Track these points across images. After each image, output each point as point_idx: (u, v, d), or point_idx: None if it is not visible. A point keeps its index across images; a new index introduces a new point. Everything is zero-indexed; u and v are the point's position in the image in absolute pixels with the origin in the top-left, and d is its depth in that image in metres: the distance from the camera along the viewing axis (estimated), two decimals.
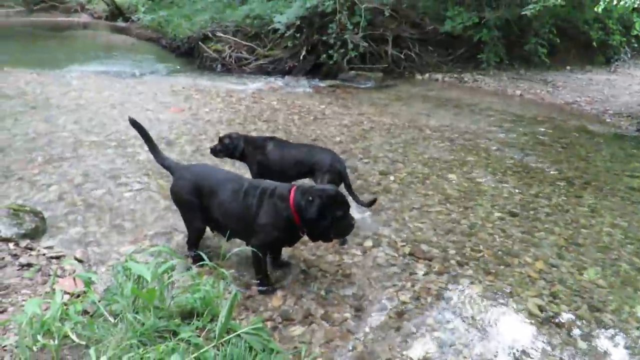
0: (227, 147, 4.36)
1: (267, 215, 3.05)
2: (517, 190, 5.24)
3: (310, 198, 2.91)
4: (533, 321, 3.16)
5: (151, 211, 4.32)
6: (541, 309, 3.29)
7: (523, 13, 11.11)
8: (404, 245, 3.97)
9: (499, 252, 3.96)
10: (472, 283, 3.52)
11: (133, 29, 19.20)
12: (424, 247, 3.97)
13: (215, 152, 4.44)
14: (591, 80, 12.19)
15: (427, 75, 12.06)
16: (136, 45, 16.15)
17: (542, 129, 7.85)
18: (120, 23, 22.00)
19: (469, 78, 11.75)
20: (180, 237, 3.90)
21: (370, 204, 4.18)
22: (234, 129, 6.85)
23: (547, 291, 3.48)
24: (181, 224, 4.01)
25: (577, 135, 7.64)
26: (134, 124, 3.61)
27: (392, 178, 5.38)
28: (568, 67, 13.32)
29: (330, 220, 2.97)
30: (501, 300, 3.35)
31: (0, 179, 4.72)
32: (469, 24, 12.37)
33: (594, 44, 13.49)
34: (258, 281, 3.25)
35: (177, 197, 3.47)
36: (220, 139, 4.41)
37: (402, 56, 12.27)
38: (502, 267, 3.75)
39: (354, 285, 3.41)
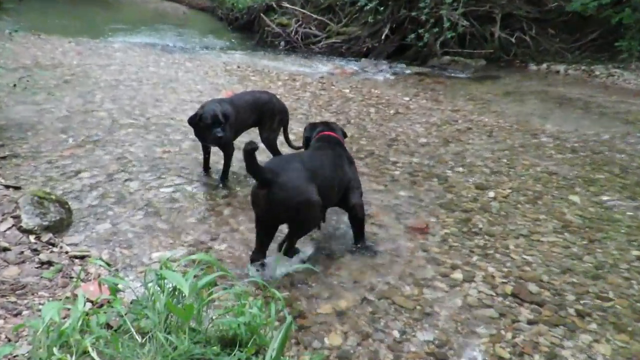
0: None
1: (353, 165, 4.10)
2: None
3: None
4: None
5: (192, 212, 4.43)
6: None
7: None
8: (504, 283, 3.78)
9: (637, 304, 3.65)
10: (596, 341, 3.26)
11: None
12: (531, 287, 3.75)
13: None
14: None
15: (544, 65, 11.59)
16: (188, 16, 16.93)
17: None
18: None
19: (602, 71, 11.12)
20: (224, 246, 3.96)
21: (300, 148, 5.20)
22: (296, 119, 6.90)
23: None
24: (224, 232, 4.10)
25: None
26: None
27: (492, 194, 5.18)
28: None
29: None
30: None
31: (28, 160, 5.07)
32: (606, 2, 11.73)
33: None
34: (361, 246, 4.02)
35: None
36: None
37: (513, 40, 11.87)
38: None
39: (436, 328, 3.28)
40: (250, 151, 3.16)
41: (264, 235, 3.60)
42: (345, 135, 4.43)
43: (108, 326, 2.47)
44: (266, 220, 3.51)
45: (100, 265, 3.30)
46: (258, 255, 3.62)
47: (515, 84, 10.14)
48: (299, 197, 3.37)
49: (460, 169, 5.76)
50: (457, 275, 3.84)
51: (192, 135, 5.97)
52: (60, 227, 3.98)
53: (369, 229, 4.34)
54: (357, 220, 4.03)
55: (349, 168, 3.99)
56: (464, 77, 10.69)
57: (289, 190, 3.34)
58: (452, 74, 10.82)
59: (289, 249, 3.65)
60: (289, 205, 3.35)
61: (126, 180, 4.88)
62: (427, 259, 4.02)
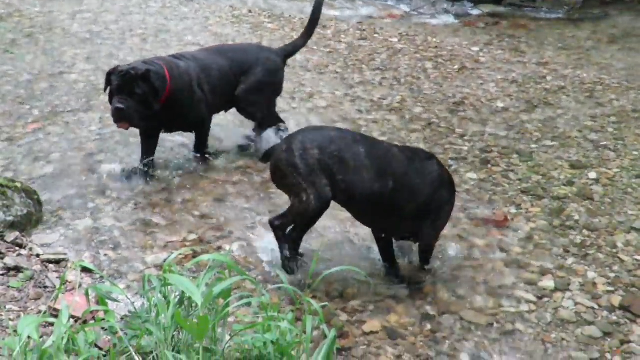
0: None
1: None
2: None
3: None
4: None
5: (195, 203, 4.57)
6: None
7: None
8: (611, 292, 3.81)
9: None
10: None
11: None
12: None
13: None
14: None
15: None
16: None
17: None
18: None
19: None
20: (237, 246, 4.10)
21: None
22: (329, 78, 6.97)
23: None
24: (237, 228, 4.22)
25: None
26: None
27: (593, 175, 5.19)
28: None
29: None
30: None
31: None
32: None
33: None
34: None
35: None
36: None
37: None
38: None
39: (519, 352, 3.34)
40: None
41: None
42: None
43: (97, 347, 2.61)
44: None
45: (86, 270, 3.44)
46: None
47: (625, 26, 9.94)
48: None
49: (550, 142, 5.75)
50: (547, 282, 3.88)
51: None
52: (27, 223, 4.14)
53: None
54: None
55: None
56: (554, 17, 10.52)
57: None
58: (538, 14, 10.67)
59: None
60: None
61: (109, 162, 5.02)
62: (507, 262, 4.06)
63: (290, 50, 5.55)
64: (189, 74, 4.82)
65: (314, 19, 5.50)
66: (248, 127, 5.49)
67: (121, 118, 4.45)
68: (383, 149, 3.70)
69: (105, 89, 4.60)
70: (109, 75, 4.51)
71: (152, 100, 4.46)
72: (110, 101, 4.52)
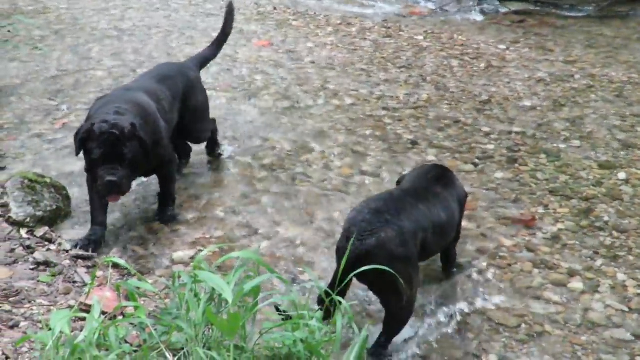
0: None
1: None
2: None
3: None
4: None
5: (221, 200, 4.59)
6: None
7: None
8: None
9: None
10: None
11: None
12: None
13: None
14: None
15: None
16: None
17: None
18: None
19: None
20: (264, 244, 4.11)
21: None
22: (354, 76, 6.96)
23: None
24: (263, 226, 4.23)
25: None
26: None
27: (622, 176, 5.15)
28: None
29: None
30: None
31: (12, 132, 5.34)
32: None
33: None
34: None
35: None
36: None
37: None
38: None
39: (547, 354, 3.33)
40: None
41: None
42: None
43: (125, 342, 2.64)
44: None
45: (113, 265, 3.47)
46: None
47: None
48: None
49: (578, 142, 5.70)
50: (576, 284, 3.86)
51: (218, 101, 6.11)
52: (56, 218, 4.21)
53: None
54: None
55: None
56: (582, 15, 10.41)
57: None
58: (565, 12, 10.56)
59: None
60: None
61: None
62: (535, 262, 4.05)
63: (203, 62, 5.11)
64: (153, 111, 4.17)
65: (226, 32, 5.26)
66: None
67: (114, 192, 3.82)
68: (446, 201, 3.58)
69: (77, 154, 3.90)
70: (84, 141, 3.76)
71: (142, 157, 3.85)
72: (91, 169, 3.87)
